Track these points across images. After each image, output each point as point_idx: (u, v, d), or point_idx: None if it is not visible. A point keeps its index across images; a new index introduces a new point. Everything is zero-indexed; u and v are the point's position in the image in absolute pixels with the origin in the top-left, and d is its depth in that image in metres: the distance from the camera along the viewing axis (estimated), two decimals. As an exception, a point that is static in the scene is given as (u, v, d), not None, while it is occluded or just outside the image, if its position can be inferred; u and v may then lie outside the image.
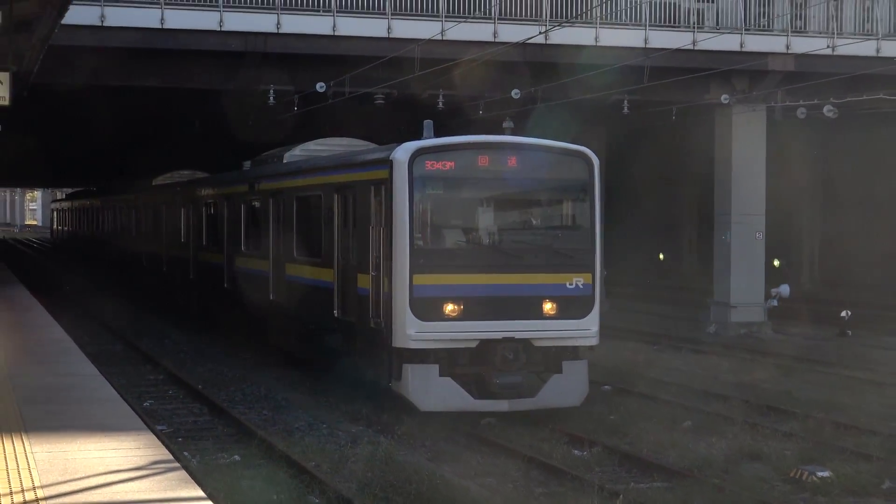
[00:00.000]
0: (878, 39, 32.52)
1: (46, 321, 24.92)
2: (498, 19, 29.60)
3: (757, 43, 32.12)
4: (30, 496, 9.74)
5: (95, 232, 59.63)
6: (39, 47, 22.26)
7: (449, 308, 18.37)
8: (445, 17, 29.12)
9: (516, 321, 18.67)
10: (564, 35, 29.11)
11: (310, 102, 30.91)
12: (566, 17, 29.71)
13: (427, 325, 18.18)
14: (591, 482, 15.61)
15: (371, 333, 19.54)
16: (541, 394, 19.05)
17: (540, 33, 28.09)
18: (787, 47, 32.06)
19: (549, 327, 19.04)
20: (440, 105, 30.17)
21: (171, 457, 11.38)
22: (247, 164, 31.05)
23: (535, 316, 18.90)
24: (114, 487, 10.05)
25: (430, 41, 28.43)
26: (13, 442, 11.90)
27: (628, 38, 30.45)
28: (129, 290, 45.73)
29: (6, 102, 20.49)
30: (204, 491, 10.20)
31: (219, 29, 28.18)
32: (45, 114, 36.14)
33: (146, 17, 27.81)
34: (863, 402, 22.25)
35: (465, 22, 28.81)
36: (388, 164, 18.84)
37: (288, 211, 25.31)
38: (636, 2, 30.82)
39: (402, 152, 18.80)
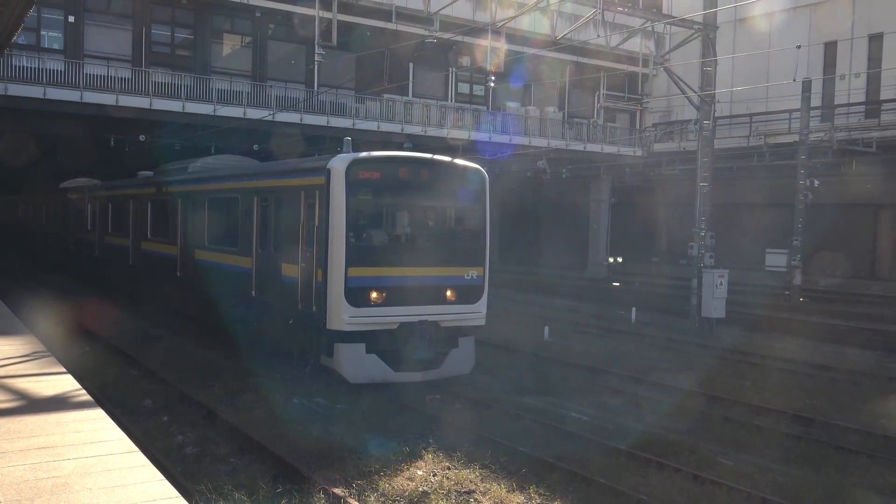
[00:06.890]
0: (448, 129, 33.43)
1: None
2: (247, 105, 28.94)
3: (389, 126, 31.63)
4: (-46, 374, 9.06)
5: (14, 220, 49.04)
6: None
7: (374, 296, 13.36)
8: (247, 105, 28.36)
9: (428, 306, 13.81)
10: (285, 116, 28.85)
11: (133, 147, 29.11)
12: (285, 107, 29.49)
13: (358, 311, 13.24)
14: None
15: (298, 315, 14.17)
16: (444, 365, 14.12)
17: (269, 114, 27.83)
18: (402, 129, 32.17)
19: (452, 311, 14.10)
20: (211, 151, 29.07)
21: (45, 349, 10.78)
22: (145, 173, 24.17)
23: (441, 302, 14.01)
24: (8, 367, 9.52)
25: (237, 118, 27.61)
26: (-56, 342, 10.92)
27: (318, 120, 30.35)
28: (36, 258, 39.01)
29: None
30: (66, 368, 9.77)
31: (80, 101, 26.29)
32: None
33: (35, 91, 25.49)
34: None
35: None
36: (325, 171, 13.53)
37: (198, 209, 19.01)
38: (322, 101, 30.84)
39: (339, 162, 13.49)
